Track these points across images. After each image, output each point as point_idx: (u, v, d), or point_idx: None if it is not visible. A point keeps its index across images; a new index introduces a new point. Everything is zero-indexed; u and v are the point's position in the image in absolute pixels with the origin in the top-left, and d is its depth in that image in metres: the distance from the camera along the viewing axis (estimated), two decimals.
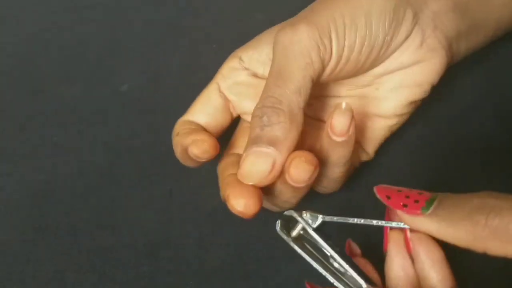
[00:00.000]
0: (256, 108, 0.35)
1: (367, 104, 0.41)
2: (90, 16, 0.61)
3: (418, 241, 0.33)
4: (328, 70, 0.37)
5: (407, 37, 0.38)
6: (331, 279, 0.32)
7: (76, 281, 0.41)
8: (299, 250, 0.32)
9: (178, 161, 0.47)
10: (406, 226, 0.32)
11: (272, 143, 0.34)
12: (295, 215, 0.33)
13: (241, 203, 0.34)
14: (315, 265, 0.32)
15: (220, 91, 0.41)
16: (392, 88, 0.40)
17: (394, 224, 0.32)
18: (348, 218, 0.33)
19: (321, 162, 0.36)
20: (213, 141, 0.37)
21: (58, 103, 0.53)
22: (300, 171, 0.34)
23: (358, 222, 0.33)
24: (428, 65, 0.39)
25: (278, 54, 0.37)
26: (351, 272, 0.32)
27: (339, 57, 0.37)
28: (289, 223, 0.34)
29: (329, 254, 0.32)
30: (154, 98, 0.52)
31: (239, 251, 0.41)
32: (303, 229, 0.33)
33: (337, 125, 0.34)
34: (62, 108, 0.52)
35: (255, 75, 0.41)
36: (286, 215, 0.33)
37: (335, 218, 0.33)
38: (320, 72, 0.36)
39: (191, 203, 0.45)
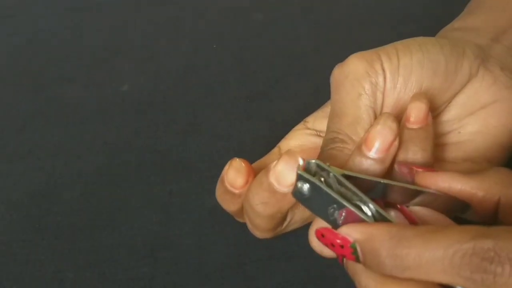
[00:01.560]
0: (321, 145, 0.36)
1: (451, 150, 0.39)
2: (90, 16, 0.61)
3: (422, 211, 0.33)
4: (389, 93, 0.36)
5: (472, 74, 0.37)
6: (359, 213, 0.30)
7: (75, 281, 0.41)
8: (324, 187, 0.30)
9: (178, 161, 0.48)
10: (430, 191, 0.32)
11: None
12: (320, 162, 0.31)
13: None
14: (341, 199, 0.30)
15: (280, 154, 0.40)
16: (476, 131, 0.39)
17: (417, 187, 0.32)
18: (371, 177, 0.32)
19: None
20: (250, 167, 0.36)
21: (58, 103, 0.53)
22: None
23: (381, 181, 0.32)
24: (508, 103, 0.38)
25: (333, 91, 0.37)
26: (384, 213, 0.30)
27: (396, 76, 0.36)
28: (311, 173, 0.32)
29: (358, 199, 0.30)
30: (154, 98, 0.52)
31: (239, 251, 0.41)
32: (324, 178, 0.31)
33: (413, 111, 0.34)
34: (62, 108, 0.52)
35: (318, 134, 0.40)
36: (310, 162, 0.32)
37: (357, 174, 0.32)
38: (378, 98, 0.36)
39: (191, 203, 0.45)
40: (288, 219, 0.38)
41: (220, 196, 0.37)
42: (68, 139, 0.50)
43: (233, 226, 0.43)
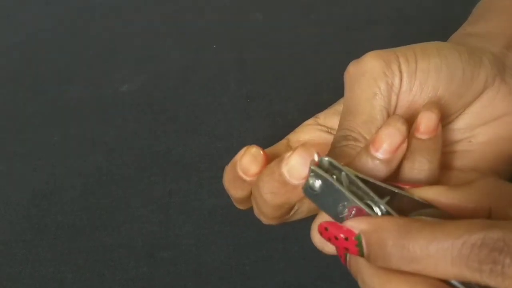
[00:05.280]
0: (332, 142, 0.36)
1: (460, 158, 0.39)
2: (90, 16, 0.61)
3: None
4: (404, 96, 0.36)
5: (488, 83, 0.37)
6: (370, 212, 0.30)
7: (75, 282, 0.41)
8: (337, 184, 0.30)
9: (177, 161, 0.48)
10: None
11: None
12: (333, 160, 0.31)
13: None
14: (353, 197, 0.30)
15: (288, 145, 0.40)
16: (486, 141, 0.38)
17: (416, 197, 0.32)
18: (383, 183, 0.31)
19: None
20: (267, 156, 0.35)
21: (58, 103, 0.53)
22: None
23: (393, 190, 0.31)
24: None
25: (347, 88, 0.37)
26: (394, 214, 0.30)
27: (413, 80, 0.35)
28: (323, 170, 0.32)
29: (369, 198, 0.30)
30: (154, 98, 0.52)
31: (238, 251, 0.41)
32: (336, 175, 0.31)
33: (423, 121, 0.33)
34: (62, 108, 0.52)
35: (328, 131, 0.40)
36: (323, 159, 0.31)
37: (369, 178, 0.31)
38: (393, 99, 0.36)
39: (190, 203, 0.45)
40: (295, 208, 0.37)
41: (228, 181, 0.37)
42: (68, 139, 0.50)
43: (233, 226, 0.43)
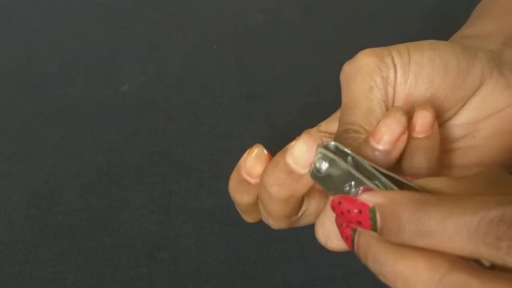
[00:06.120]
0: (334, 138, 0.36)
1: (465, 154, 0.39)
2: (90, 17, 0.61)
3: None
4: (400, 88, 0.36)
5: (485, 76, 0.37)
6: (376, 188, 0.30)
7: (75, 282, 0.41)
8: (344, 164, 0.30)
9: (177, 161, 0.48)
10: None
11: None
12: (339, 144, 0.32)
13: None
14: (361, 176, 0.30)
15: None
16: (490, 135, 0.38)
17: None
18: (391, 172, 0.31)
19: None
20: (271, 156, 0.35)
21: (58, 103, 0.53)
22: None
23: (400, 179, 0.31)
24: None
25: (343, 87, 0.37)
26: None
27: (407, 71, 0.36)
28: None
29: (376, 179, 0.30)
30: (154, 98, 0.52)
31: (238, 252, 0.42)
32: (342, 158, 0.31)
33: (419, 120, 0.34)
34: (62, 108, 0.52)
35: (331, 136, 0.40)
36: (329, 144, 0.32)
37: (376, 166, 0.31)
38: (390, 92, 0.36)
39: (190, 203, 0.45)
40: (303, 208, 0.37)
41: (234, 186, 0.37)
42: (68, 139, 0.50)
43: (233, 226, 0.43)
